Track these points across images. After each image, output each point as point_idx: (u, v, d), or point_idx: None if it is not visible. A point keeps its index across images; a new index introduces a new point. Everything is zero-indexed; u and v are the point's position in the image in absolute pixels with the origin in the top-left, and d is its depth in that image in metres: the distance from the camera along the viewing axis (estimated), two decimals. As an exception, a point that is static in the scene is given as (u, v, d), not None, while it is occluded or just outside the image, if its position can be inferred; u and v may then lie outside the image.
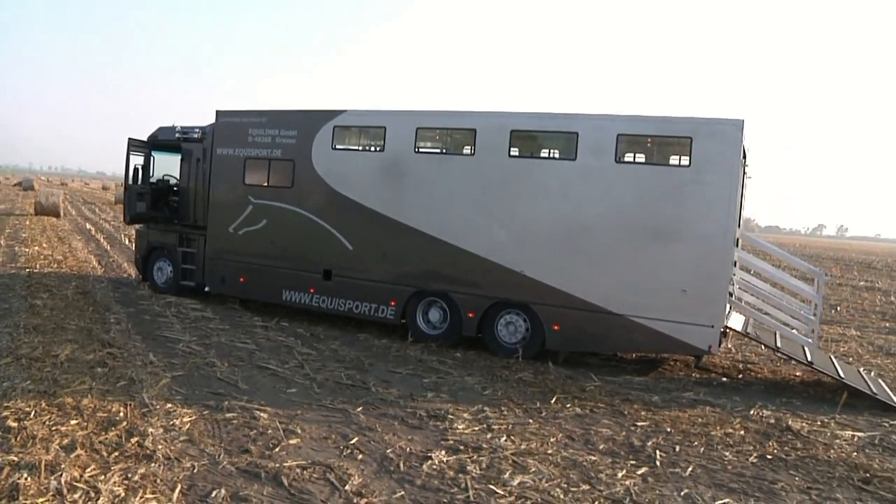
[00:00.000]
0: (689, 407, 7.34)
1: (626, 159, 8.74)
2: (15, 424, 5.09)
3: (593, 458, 5.59)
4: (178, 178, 11.92)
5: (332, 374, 7.66)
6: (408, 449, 5.47)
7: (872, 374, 9.52)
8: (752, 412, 7.22)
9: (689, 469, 5.47)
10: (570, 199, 8.88)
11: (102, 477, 4.36)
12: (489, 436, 5.94)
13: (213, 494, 4.35)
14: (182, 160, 11.81)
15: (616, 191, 8.67)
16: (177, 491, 4.33)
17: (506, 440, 5.85)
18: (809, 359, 8.17)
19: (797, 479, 5.45)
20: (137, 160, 11.70)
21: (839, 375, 8.01)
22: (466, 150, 9.63)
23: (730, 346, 10.73)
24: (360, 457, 5.27)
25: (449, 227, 9.50)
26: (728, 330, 8.56)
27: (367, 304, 10.13)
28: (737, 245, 9.21)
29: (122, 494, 4.17)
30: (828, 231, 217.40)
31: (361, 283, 10.13)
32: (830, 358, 9.13)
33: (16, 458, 4.48)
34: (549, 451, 5.64)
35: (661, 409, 7.13)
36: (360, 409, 6.47)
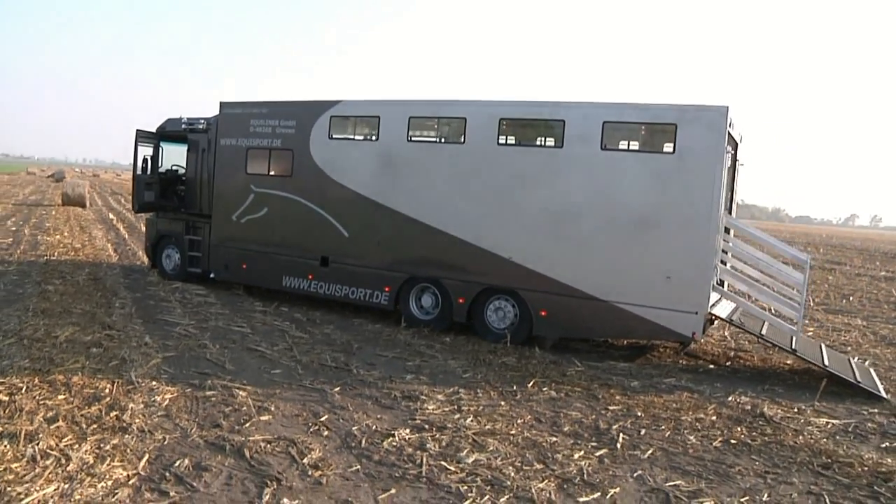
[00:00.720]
0: (666, 392, 7.45)
1: (612, 147, 8.82)
2: (6, 398, 5.49)
3: (555, 439, 5.77)
4: (184, 167, 12.31)
5: (318, 356, 7.95)
6: (374, 427, 5.73)
7: (867, 363, 9.50)
8: (729, 399, 7.31)
9: (650, 452, 5.62)
10: (557, 187, 9.00)
11: (76, 446, 4.71)
12: (457, 416, 6.16)
13: (176, 464, 4.66)
14: (188, 151, 12.20)
15: (602, 178, 8.76)
16: (144, 460, 4.66)
17: (472, 420, 6.06)
18: (794, 346, 8.19)
19: (757, 463, 5.55)
20: (147, 151, 12.10)
21: (823, 364, 8.02)
22: (457, 138, 9.79)
23: (725, 333, 10.77)
24: (325, 433, 5.55)
25: (440, 214, 9.70)
26: (713, 317, 8.61)
27: (363, 290, 10.40)
28: (727, 232, 9.26)
29: (91, 462, 4.51)
30: (861, 221, 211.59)
31: (357, 270, 10.40)
32: (820, 346, 9.13)
33: (1, 429, 4.85)
34: (513, 432, 5.84)
35: (637, 394, 7.26)
36: (338, 389, 6.75)
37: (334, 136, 10.60)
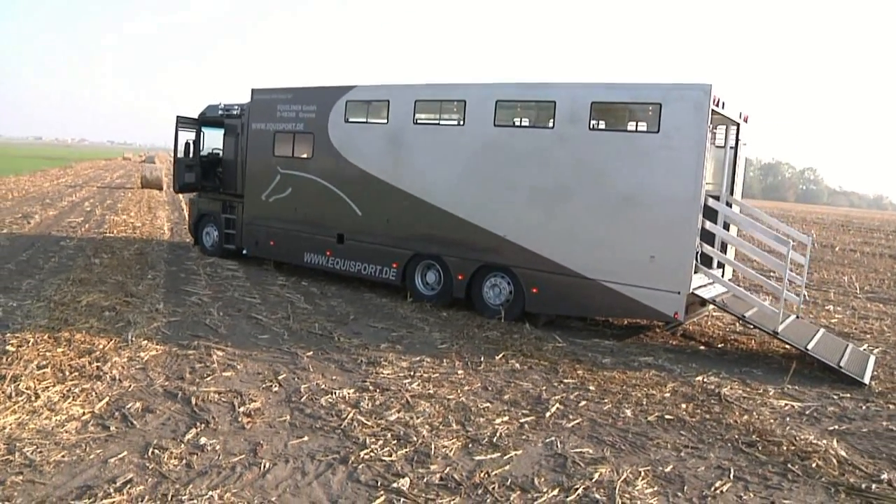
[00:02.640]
0: (634, 370, 7.60)
1: (600, 126, 8.92)
2: (13, 349, 6.50)
3: (488, 405, 6.14)
4: (219, 150, 13.36)
5: (310, 325, 8.63)
6: (322, 386, 6.32)
7: (875, 350, 9.14)
8: (698, 378, 7.37)
9: (576, 422, 5.88)
10: (548, 166, 9.21)
11: (51, 388, 5.59)
12: (407, 381, 6.64)
13: (128, 406, 5.44)
14: (225, 135, 13.25)
15: (590, 157, 8.90)
16: (103, 402, 5.46)
17: (417, 385, 6.53)
18: (778, 329, 8.08)
19: (682, 438, 5.66)
20: (188, 136, 13.22)
21: (805, 347, 7.88)
22: (458, 120, 10.16)
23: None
24: (275, 389, 6.19)
25: (442, 193, 10.15)
26: (699, 298, 8.60)
27: (373, 266, 11.04)
28: (726, 209, 9.15)
29: (56, 400, 5.37)
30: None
31: (369, 247, 11.04)
32: (817, 331, 8.91)
33: (-4, 371, 5.83)
34: (450, 397, 6.27)
35: (601, 370, 7.46)
36: (311, 353, 7.39)
37: (349, 120, 11.23)
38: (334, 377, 6.67)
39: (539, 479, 4.70)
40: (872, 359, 8.44)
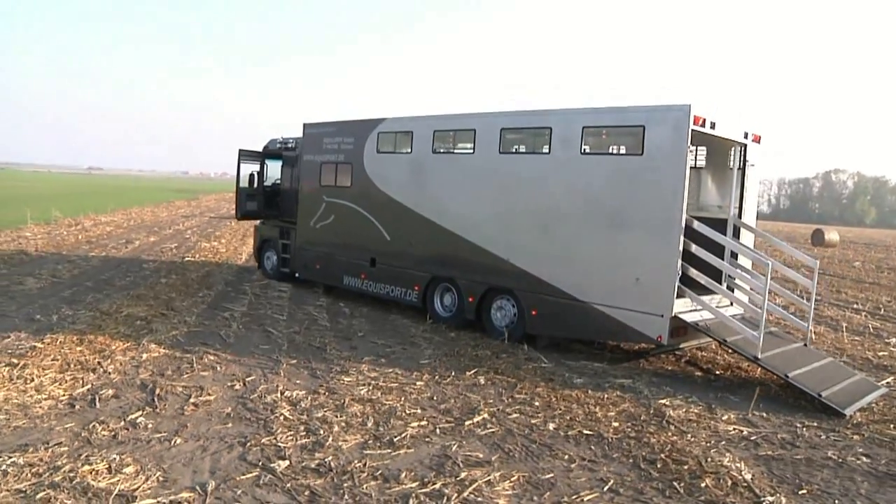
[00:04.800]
0: (598, 390, 7.81)
1: (589, 150, 9.26)
2: (41, 345, 8.04)
3: (417, 411, 6.71)
4: (279, 181, 14.97)
5: (313, 339, 9.61)
6: (279, 388, 7.20)
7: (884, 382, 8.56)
8: (661, 401, 7.46)
9: (490, 431, 6.28)
10: (544, 191, 9.66)
11: (48, 375, 6.95)
12: (361, 388, 7.37)
13: (100, 392, 6.64)
14: (283, 166, 14.86)
15: (581, 181, 9.26)
16: (83, 388, 6.72)
17: (366, 391, 7.25)
18: (758, 355, 7.91)
19: (586, 452, 5.88)
20: (249, 167, 14.97)
21: (786, 374, 7.66)
22: (469, 148, 10.88)
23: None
24: (237, 387, 7.17)
25: (455, 218, 10.88)
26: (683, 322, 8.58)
27: (399, 289, 11.92)
28: (736, 235, 9.10)
29: (44, 384, 6.69)
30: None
31: (395, 270, 11.96)
32: (820, 359, 8.59)
33: (15, 360, 7.31)
34: (388, 402, 6.91)
35: (563, 390, 7.74)
36: (294, 361, 8.34)
37: (380, 150, 12.31)
38: (298, 381, 7.55)
39: (406, 474, 5.24)
40: (880, 391, 8.00)
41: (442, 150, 11.41)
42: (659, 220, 8.42)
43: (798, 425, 6.89)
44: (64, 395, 6.48)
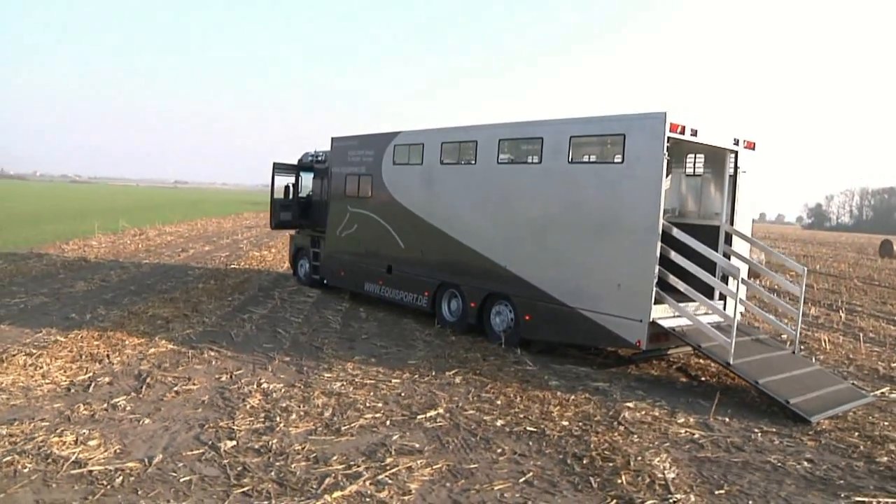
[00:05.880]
0: (569, 392, 8.04)
1: (577, 159, 9.50)
2: (63, 339, 9.03)
3: (378, 405, 7.16)
4: (312, 192, 15.84)
5: (316, 340, 10.24)
6: (262, 381, 7.83)
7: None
8: (627, 404, 7.62)
9: (438, 424, 6.64)
10: (537, 199, 9.98)
11: (57, 363, 7.86)
12: (337, 384, 7.90)
13: (98, 380, 7.45)
14: (314, 178, 15.73)
15: (569, 189, 9.52)
16: (85, 376, 7.55)
17: (340, 386, 7.77)
18: (730, 360, 7.91)
19: (520, 447, 6.14)
20: (283, 180, 15.91)
21: (756, 381, 7.64)
22: (472, 159, 11.31)
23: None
24: (223, 379, 7.85)
25: (460, 226, 11.34)
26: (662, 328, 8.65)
27: (411, 294, 12.46)
28: (728, 243, 9.12)
29: (50, 370, 7.58)
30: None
31: (408, 276, 12.50)
32: (813, 364, 8.45)
33: (34, 351, 8.29)
34: (354, 396, 7.41)
35: (532, 391, 8.00)
36: (287, 358, 8.97)
37: (396, 162, 12.93)
38: (282, 376, 8.16)
39: (337, 457, 5.70)
40: (865, 400, 7.90)
41: (449, 162, 11.88)
42: (637, 226, 8.58)
43: (756, 431, 6.91)
44: (65, 381, 7.35)
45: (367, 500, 4.96)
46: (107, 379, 7.55)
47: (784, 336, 10.81)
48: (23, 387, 7.04)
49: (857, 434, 6.97)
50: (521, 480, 5.47)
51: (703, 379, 9.01)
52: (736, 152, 9.44)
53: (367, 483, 5.22)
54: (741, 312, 9.86)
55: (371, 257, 13.51)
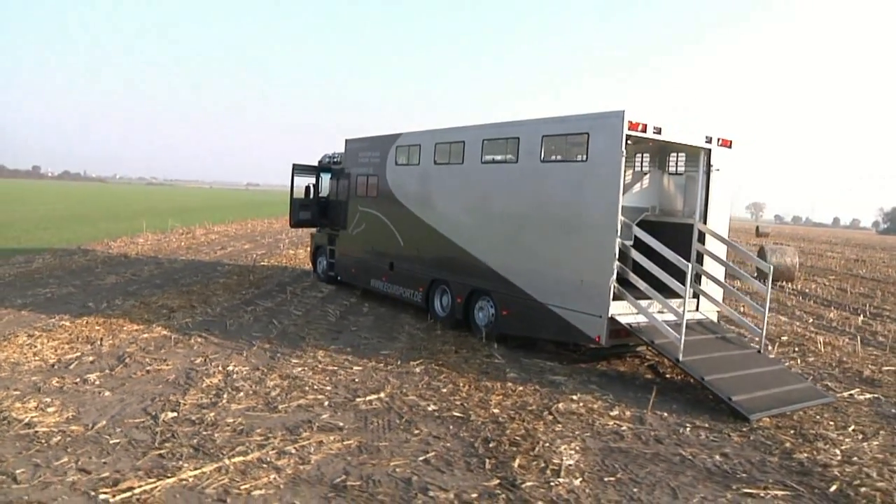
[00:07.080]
0: (520, 383, 8.33)
1: (547, 158, 9.75)
2: (69, 324, 9.98)
3: (327, 388, 7.68)
4: (329, 192, 16.56)
5: (301, 330, 10.85)
6: (230, 364, 8.47)
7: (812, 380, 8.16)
8: (572, 396, 7.86)
9: (372, 408, 7.08)
10: (513, 197, 10.31)
11: (52, 344, 8.75)
12: (297, 368, 8.47)
13: (83, 359, 8.27)
14: (331, 179, 16.45)
15: (539, 187, 9.80)
16: (74, 355, 8.39)
17: (299, 370, 8.34)
18: (679, 357, 7.98)
19: (438, 430, 6.51)
20: (302, 181, 16.68)
21: (702, 377, 7.71)
22: (460, 159, 11.70)
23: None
24: (197, 361, 8.53)
25: (449, 225, 11.78)
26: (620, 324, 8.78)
27: (408, 290, 12.96)
28: (701, 241, 9.19)
29: (43, 350, 8.46)
30: None
31: (407, 273, 13.01)
32: (780, 364, 8.42)
33: (36, 333, 9.25)
34: (307, 379, 7.95)
35: (484, 381, 8.34)
36: (267, 346, 9.60)
37: (398, 163, 13.47)
38: (253, 360, 8.79)
39: (260, 430, 6.24)
40: (823, 400, 8.00)
41: (441, 162, 12.31)
42: (597, 223, 8.77)
43: (688, 426, 7.03)
44: (53, 359, 8.21)
45: (265, 465, 5.47)
46: (90, 358, 8.38)
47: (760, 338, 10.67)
48: (13, 362, 7.94)
49: (792, 432, 6.98)
50: (420, 459, 5.85)
51: (668, 377, 9.08)
52: (709, 150, 9.46)
53: (272, 452, 5.73)
54: (717, 311, 9.87)
55: (377, 254, 14.09)
